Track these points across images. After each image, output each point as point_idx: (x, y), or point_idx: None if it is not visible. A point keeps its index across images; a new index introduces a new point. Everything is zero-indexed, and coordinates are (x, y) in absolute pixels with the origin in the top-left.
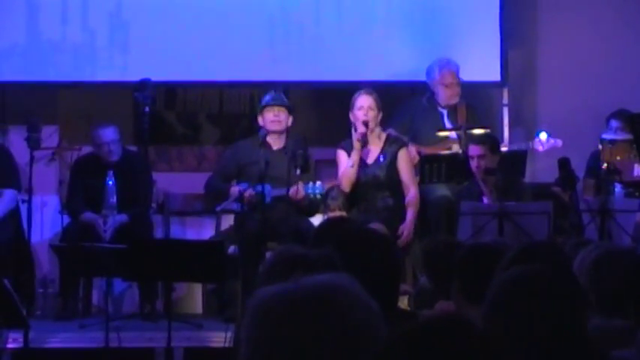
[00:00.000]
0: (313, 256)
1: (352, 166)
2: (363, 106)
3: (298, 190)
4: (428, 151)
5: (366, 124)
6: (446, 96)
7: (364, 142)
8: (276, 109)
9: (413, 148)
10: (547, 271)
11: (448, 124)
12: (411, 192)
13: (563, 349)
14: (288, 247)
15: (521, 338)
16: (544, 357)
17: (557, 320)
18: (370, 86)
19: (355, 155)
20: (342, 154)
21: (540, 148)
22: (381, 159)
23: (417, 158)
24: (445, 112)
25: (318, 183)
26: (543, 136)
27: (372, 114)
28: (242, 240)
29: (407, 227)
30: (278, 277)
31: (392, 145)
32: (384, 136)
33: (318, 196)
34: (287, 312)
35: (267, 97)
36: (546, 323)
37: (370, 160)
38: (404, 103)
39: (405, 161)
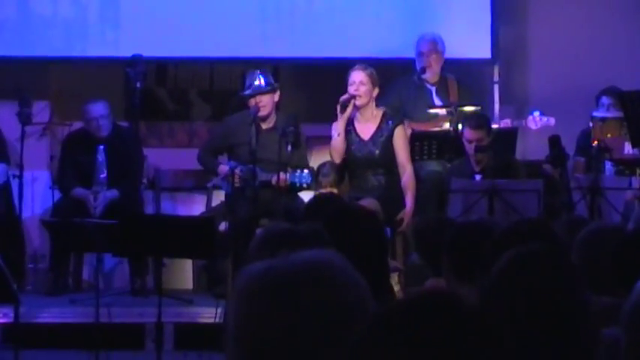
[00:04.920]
0: (302, 232)
1: (339, 135)
2: (355, 81)
3: (285, 180)
4: (419, 128)
5: (353, 95)
6: (420, 66)
7: (344, 107)
8: (257, 97)
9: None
10: (548, 250)
11: (437, 101)
12: (407, 172)
13: (566, 329)
14: (276, 223)
15: (523, 317)
16: (546, 337)
17: (559, 298)
18: (362, 63)
19: (340, 123)
20: (334, 126)
21: (533, 127)
22: (378, 136)
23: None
24: (434, 88)
25: (306, 172)
26: (537, 114)
27: (363, 89)
28: (233, 219)
29: (407, 214)
30: (267, 253)
31: (388, 122)
32: (380, 112)
33: (305, 186)
34: (274, 289)
35: (247, 86)
36: (549, 302)
37: (366, 137)
38: (393, 82)
39: (402, 139)
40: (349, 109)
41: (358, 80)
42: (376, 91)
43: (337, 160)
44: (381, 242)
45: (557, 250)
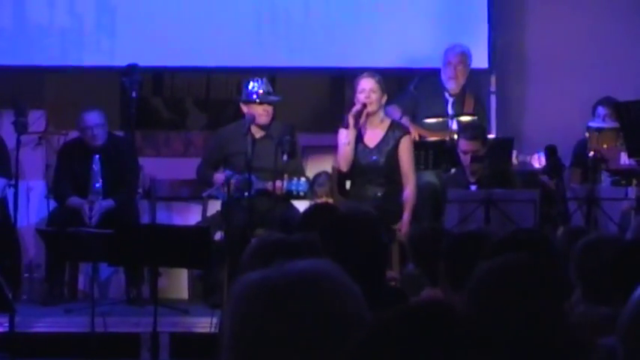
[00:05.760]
0: (296, 242)
1: (348, 144)
2: (365, 89)
3: (281, 187)
4: (424, 134)
5: (364, 104)
6: (446, 76)
7: (357, 119)
8: (265, 104)
9: (413, 131)
10: (526, 260)
11: (451, 112)
12: (409, 185)
13: (543, 338)
14: (270, 233)
15: (501, 327)
16: (524, 346)
17: (535, 308)
18: (359, 72)
19: (351, 133)
20: (342, 132)
21: (537, 165)
22: (384, 145)
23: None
24: (451, 99)
25: (303, 179)
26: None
27: (374, 96)
28: (229, 228)
29: (404, 225)
30: (260, 263)
31: (395, 132)
32: (387, 121)
33: (301, 194)
34: (269, 298)
35: (257, 92)
36: (524, 311)
37: (372, 145)
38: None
39: (407, 150)
40: (362, 120)
41: (369, 88)
42: (384, 98)
43: (344, 168)
44: (379, 250)
45: (537, 262)
